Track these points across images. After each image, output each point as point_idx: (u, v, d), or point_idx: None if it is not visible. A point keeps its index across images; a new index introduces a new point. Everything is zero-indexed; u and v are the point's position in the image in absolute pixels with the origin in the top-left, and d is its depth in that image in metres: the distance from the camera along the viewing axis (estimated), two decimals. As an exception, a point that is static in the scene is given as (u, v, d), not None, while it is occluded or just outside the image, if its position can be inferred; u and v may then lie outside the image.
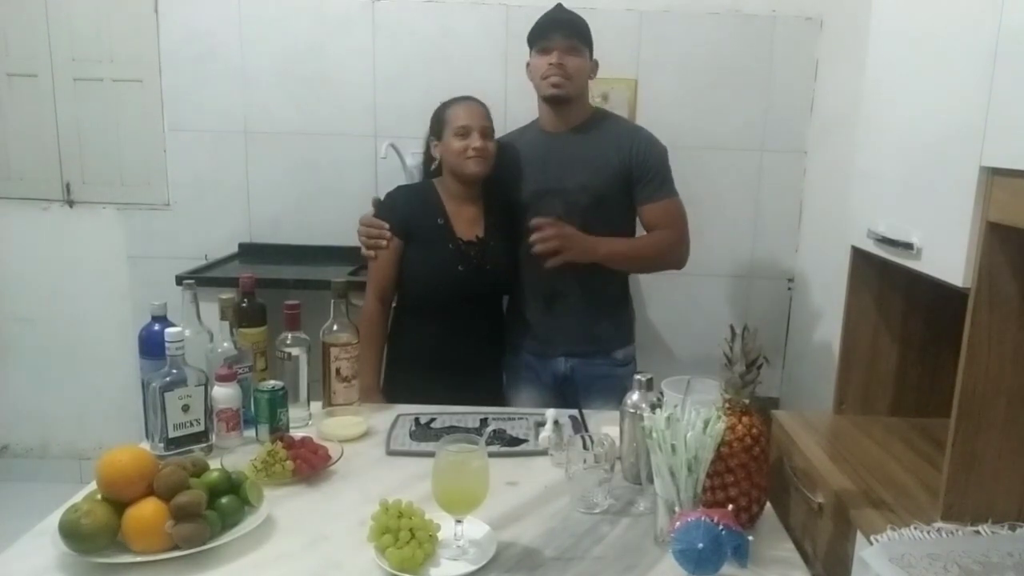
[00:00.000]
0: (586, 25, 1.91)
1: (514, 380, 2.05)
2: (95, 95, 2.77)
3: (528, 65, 1.95)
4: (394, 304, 1.97)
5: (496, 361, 2.05)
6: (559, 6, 1.95)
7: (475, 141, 1.84)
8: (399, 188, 2.02)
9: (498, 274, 1.95)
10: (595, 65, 1.97)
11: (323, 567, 1.11)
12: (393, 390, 1.89)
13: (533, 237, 1.78)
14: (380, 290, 1.91)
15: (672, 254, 1.96)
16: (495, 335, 2.04)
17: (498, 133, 2.07)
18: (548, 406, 1.74)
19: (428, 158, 2.01)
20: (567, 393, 1.98)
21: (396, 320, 1.96)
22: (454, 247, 1.89)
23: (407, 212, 1.91)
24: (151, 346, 1.48)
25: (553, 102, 1.90)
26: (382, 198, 1.99)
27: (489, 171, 1.90)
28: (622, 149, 1.91)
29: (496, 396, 2.01)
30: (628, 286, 2.10)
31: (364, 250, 1.91)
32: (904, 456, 1.49)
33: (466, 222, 1.92)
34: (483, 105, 1.93)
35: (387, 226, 1.88)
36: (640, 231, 1.99)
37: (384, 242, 1.87)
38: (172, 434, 1.39)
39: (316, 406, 1.67)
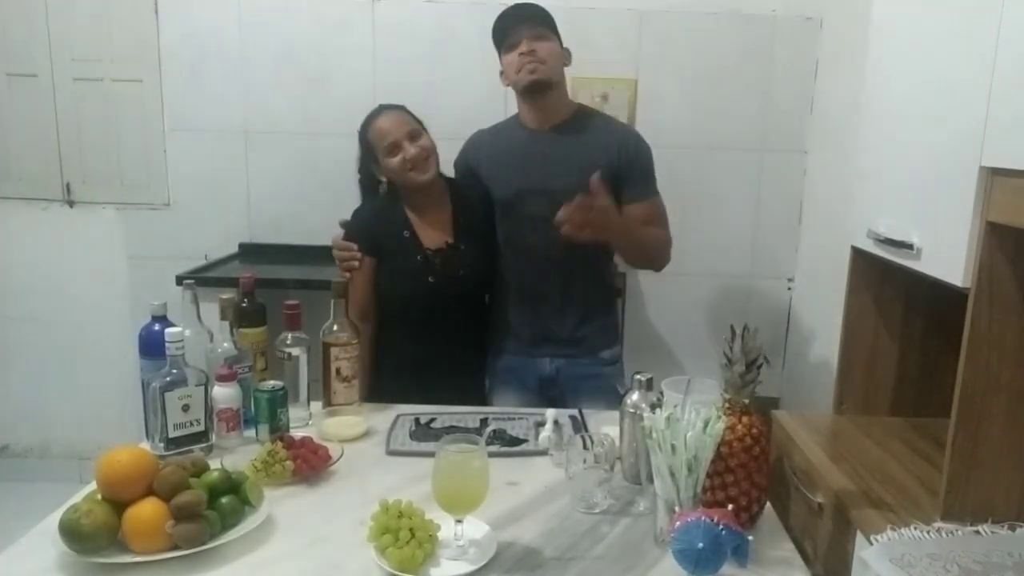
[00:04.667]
0: (548, 14, 1.86)
1: (497, 383, 2.00)
2: (95, 95, 2.77)
3: (501, 73, 1.90)
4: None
5: (478, 364, 2.01)
6: (517, 4, 1.90)
7: (408, 151, 1.79)
8: (364, 205, 1.97)
9: (471, 279, 1.91)
10: (568, 54, 1.92)
11: (323, 567, 1.11)
12: (380, 402, 1.86)
13: (561, 219, 1.66)
14: (359, 309, 1.87)
15: (662, 253, 1.93)
16: (477, 338, 2.00)
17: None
18: (532, 408, 1.73)
19: (374, 182, 1.92)
20: (552, 395, 1.95)
21: (378, 335, 1.92)
22: (421, 258, 1.86)
23: (374, 229, 1.89)
24: (151, 346, 1.48)
25: (535, 90, 1.83)
26: (349, 219, 1.95)
27: (438, 170, 1.86)
28: (610, 150, 1.87)
29: (479, 401, 1.96)
30: (613, 287, 2.07)
31: (340, 273, 1.89)
32: (904, 456, 1.49)
33: (433, 230, 1.88)
34: (398, 109, 1.87)
35: (356, 247, 1.87)
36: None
37: (356, 262, 1.86)
38: (172, 434, 1.39)
39: (316, 406, 1.67)
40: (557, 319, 1.93)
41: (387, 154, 1.81)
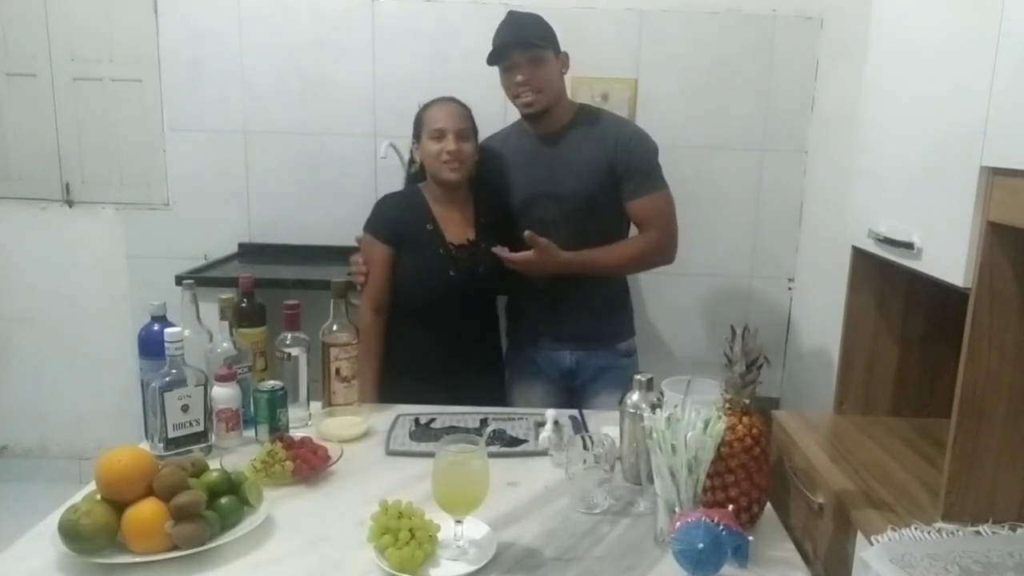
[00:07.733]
0: (543, 25, 1.87)
1: (518, 375, 2.05)
2: (94, 95, 2.77)
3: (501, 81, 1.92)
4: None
5: (495, 359, 2.04)
6: (510, 14, 1.91)
7: (449, 144, 1.82)
8: (387, 196, 2.01)
9: (491, 277, 1.92)
10: (565, 59, 1.93)
11: (322, 567, 1.11)
12: (394, 397, 1.87)
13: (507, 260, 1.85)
14: (374, 300, 1.90)
15: (653, 256, 1.95)
16: (492, 334, 2.04)
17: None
18: (554, 399, 1.75)
19: (411, 160, 2.01)
20: (573, 386, 2.00)
21: (393, 328, 1.93)
22: (445, 252, 1.88)
23: (396, 219, 1.91)
24: (151, 346, 1.48)
25: (533, 117, 1.89)
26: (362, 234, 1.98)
27: (467, 175, 1.88)
28: (607, 147, 1.88)
29: (498, 394, 2.00)
30: (625, 282, 2.12)
31: (354, 279, 1.92)
32: (904, 456, 1.49)
33: (456, 225, 1.91)
34: (462, 105, 1.90)
35: (362, 261, 1.90)
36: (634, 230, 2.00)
37: (363, 278, 1.89)
38: (172, 434, 1.39)
39: (316, 406, 1.67)
40: (574, 315, 1.98)
41: (430, 137, 1.84)
